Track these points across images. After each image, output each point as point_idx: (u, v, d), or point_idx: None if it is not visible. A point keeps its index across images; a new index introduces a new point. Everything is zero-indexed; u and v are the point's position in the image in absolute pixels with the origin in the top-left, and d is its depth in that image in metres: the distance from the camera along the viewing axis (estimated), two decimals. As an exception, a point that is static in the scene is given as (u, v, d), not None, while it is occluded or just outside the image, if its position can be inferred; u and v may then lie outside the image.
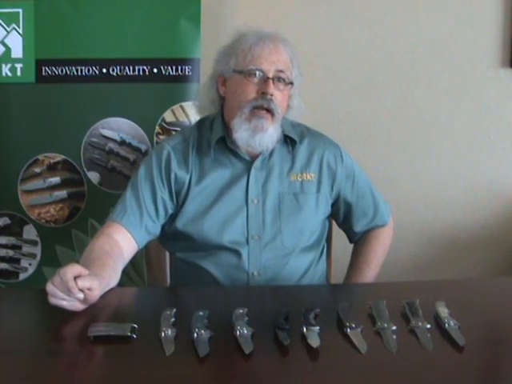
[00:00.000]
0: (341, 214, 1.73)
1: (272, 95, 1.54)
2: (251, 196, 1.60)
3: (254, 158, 1.62)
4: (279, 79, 1.57)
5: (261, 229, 1.59)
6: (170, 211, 1.62)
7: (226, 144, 1.61)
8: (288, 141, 1.64)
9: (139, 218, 1.58)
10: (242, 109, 1.55)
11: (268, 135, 1.56)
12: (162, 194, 1.60)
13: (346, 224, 1.75)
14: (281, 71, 1.57)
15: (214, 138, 1.61)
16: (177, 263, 1.70)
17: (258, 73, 1.55)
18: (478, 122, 2.41)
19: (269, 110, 1.55)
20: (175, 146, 1.64)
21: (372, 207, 1.73)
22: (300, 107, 1.67)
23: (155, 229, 1.61)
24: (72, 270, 1.25)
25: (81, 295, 1.24)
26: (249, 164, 1.62)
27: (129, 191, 1.61)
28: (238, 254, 1.58)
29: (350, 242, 1.79)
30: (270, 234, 1.60)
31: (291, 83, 1.60)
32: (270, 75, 1.55)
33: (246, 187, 1.60)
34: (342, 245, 1.80)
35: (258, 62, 1.55)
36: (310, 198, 1.63)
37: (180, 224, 1.60)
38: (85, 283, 1.25)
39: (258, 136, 1.55)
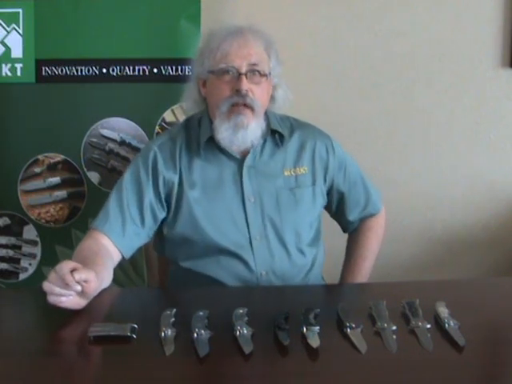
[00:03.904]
0: (334, 203, 1.71)
1: (247, 90, 1.50)
2: (247, 194, 1.58)
3: (244, 155, 1.59)
4: (253, 72, 1.52)
5: (261, 227, 1.58)
6: (160, 216, 1.58)
7: (216, 143, 1.57)
8: (277, 136, 1.61)
9: (121, 225, 1.53)
10: (220, 108, 1.52)
11: (250, 131, 1.52)
12: (150, 197, 1.56)
13: (339, 214, 1.73)
14: (254, 64, 1.52)
15: (203, 138, 1.58)
16: (179, 273, 1.64)
17: (229, 70, 1.51)
18: (478, 121, 2.41)
19: (247, 106, 1.51)
20: (161, 145, 1.60)
21: (364, 195, 1.72)
22: (286, 98, 1.62)
23: (142, 235, 1.57)
24: (67, 264, 1.25)
25: (78, 287, 1.23)
26: (240, 163, 1.59)
27: (112, 197, 1.56)
28: (243, 257, 1.55)
29: (344, 231, 1.77)
30: (271, 232, 1.58)
31: (267, 75, 1.55)
32: (243, 70, 1.51)
33: (240, 186, 1.58)
34: (333, 238, 1.78)
35: (228, 59, 1.51)
36: (306, 192, 1.62)
37: (180, 229, 1.57)
38: (81, 275, 1.24)
39: (240, 133, 1.51)
